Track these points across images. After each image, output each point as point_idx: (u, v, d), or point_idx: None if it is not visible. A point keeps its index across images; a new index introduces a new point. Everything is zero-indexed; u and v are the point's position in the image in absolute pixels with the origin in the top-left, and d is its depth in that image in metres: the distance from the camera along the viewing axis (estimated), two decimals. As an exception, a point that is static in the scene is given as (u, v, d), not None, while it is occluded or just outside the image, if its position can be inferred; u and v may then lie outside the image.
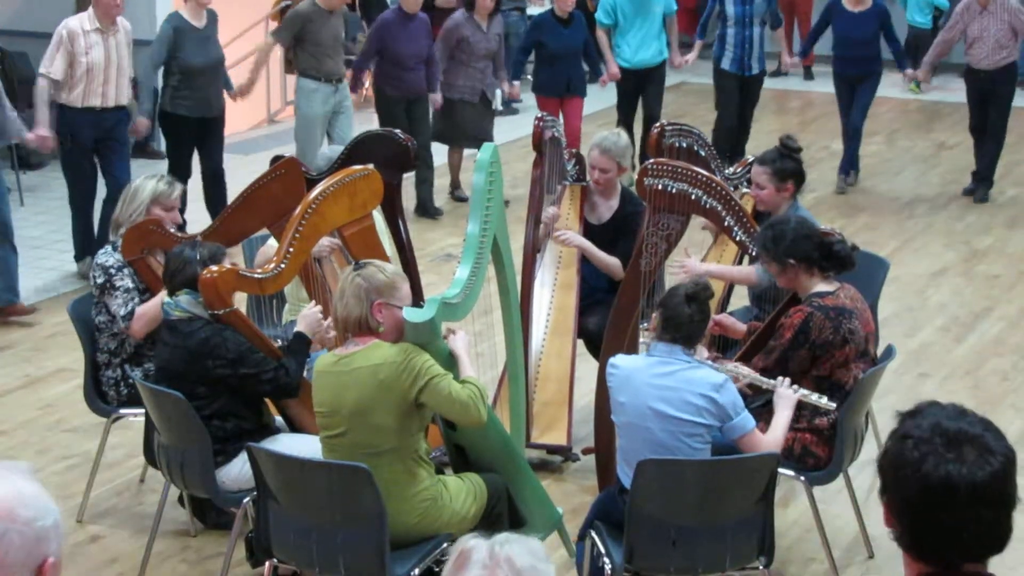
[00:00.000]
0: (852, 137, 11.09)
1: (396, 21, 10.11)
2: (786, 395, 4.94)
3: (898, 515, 2.42)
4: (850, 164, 11.23)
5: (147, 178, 6.02)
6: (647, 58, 10.90)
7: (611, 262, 6.47)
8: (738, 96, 10.97)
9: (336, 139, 9.82)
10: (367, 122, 10.70)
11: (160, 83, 9.39)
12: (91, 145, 8.69)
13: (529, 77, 11.20)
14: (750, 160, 6.56)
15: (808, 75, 15.58)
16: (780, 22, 11.23)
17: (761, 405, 5.13)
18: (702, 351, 5.00)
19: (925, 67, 11.35)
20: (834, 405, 5.03)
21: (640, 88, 11.04)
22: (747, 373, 5.05)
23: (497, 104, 10.47)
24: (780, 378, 5.01)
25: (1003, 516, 2.39)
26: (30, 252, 8.80)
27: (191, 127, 9.26)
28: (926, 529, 2.39)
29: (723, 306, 6.35)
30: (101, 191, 8.82)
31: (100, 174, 8.77)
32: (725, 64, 10.92)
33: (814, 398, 4.98)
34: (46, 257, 9.42)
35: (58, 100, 8.52)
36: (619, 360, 4.88)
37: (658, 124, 6.60)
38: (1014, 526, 2.40)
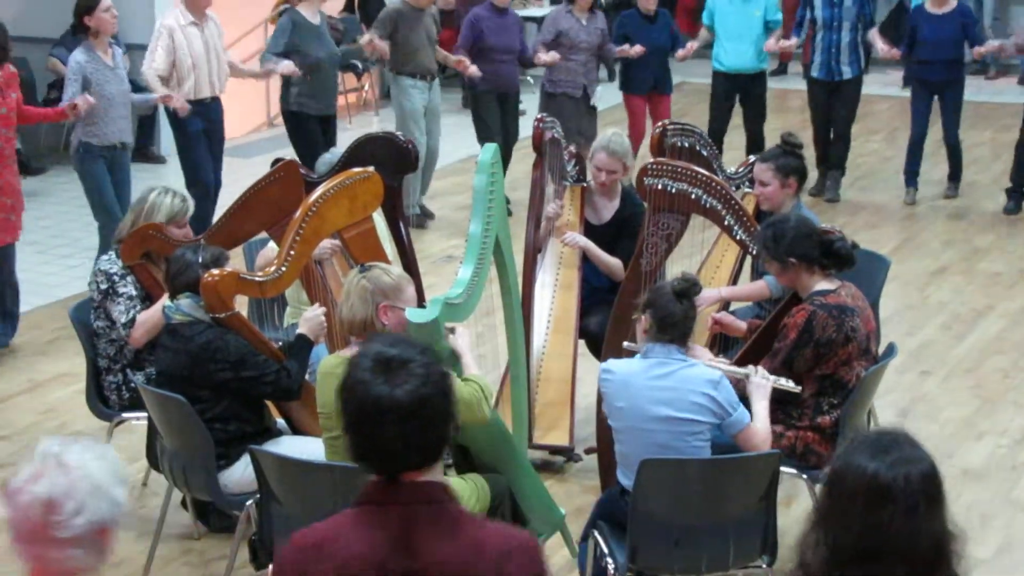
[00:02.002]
0: (952, 154, 10.80)
1: (489, 15, 10.22)
2: (760, 384, 4.93)
3: (346, 432, 2.71)
4: (953, 178, 10.96)
5: (160, 194, 5.94)
6: (742, 63, 10.69)
7: (612, 263, 6.47)
8: (827, 103, 10.71)
9: (425, 137, 10.10)
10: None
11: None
12: (202, 136, 9.00)
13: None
14: (751, 160, 6.57)
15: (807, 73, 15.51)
16: (874, 23, 10.88)
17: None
18: (700, 350, 5.01)
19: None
20: (799, 388, 5.03)
21: (740, 96, 10.86)
22: (722, 366, 5.03)
23: (596, 101, 10.44)
24: (752, 367, 5.00)
25: (430, 431, 2.65)
26: (28, 256, 8.79)
27: (309, 122, 9.65)
28: (365, 443, 2.67)
29: (725, 305, 6.35)
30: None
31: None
32: (814, 71, 10.70)
33: (783, 382, 4.98)
34: (47, 262, 9.43)
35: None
36: (613, 365, 4.86)
37: (660, 124, 6.60)
38: (445, 437, 2.67)
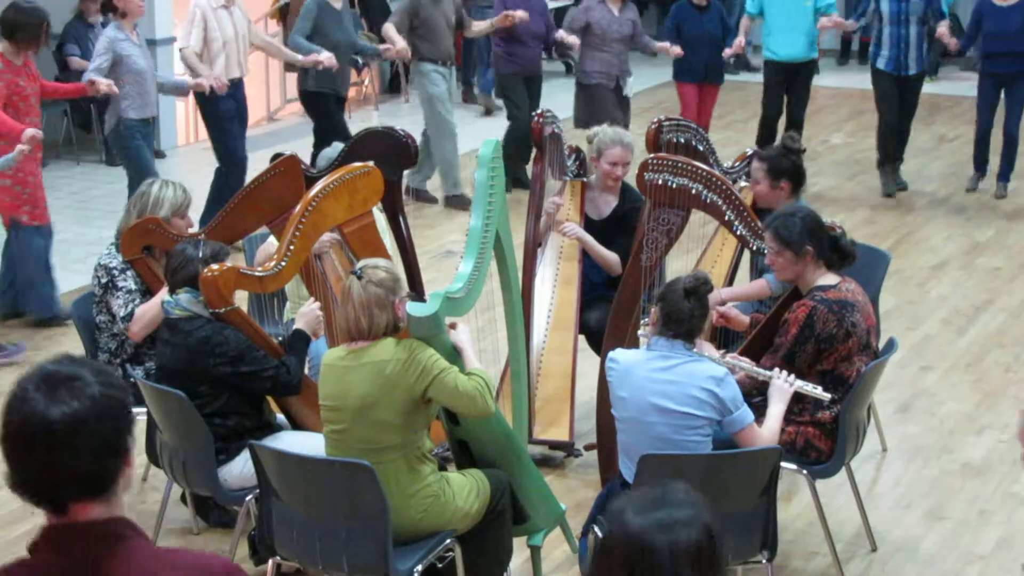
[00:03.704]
0: (1008, 144, 10.64)
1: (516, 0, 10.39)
2: (781, 387, 4.93)
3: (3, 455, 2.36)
4: (1003, 177, 10.83)
5: (162, 187, 5.95)
6: (795, 53, 10.62)
7: (610, 257, 6.47)
8: (897, 96, 10.60)
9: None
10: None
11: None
12: (235, 114, 9.35)
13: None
14: (749, 153, 6.56)
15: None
16: (944, 17, 10.69)
17: (761, 402, 5.12)
18: (708, 347, 5.00)
19: None
20: (829, 396, 5.02)
21: (788, 84, 10.81)
22: (745, 365, 5.04)
23: (628, 92, 10.47)
24: (776, 370, 5.00)
25: (84, 460, 2.29)
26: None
27: (329, 101, 9.88)
28: (15, 466, 2.32)
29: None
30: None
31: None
32: (880, 64, 10.54)
33: (809, 388, 4.97)
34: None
35: (200, 75, 9.05)
36: (619, 355, 4.87)
37: (656, 119, 6.58)
38: (109, 469, 2.33)
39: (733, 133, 12.55)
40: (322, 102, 9.93)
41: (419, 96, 10.51)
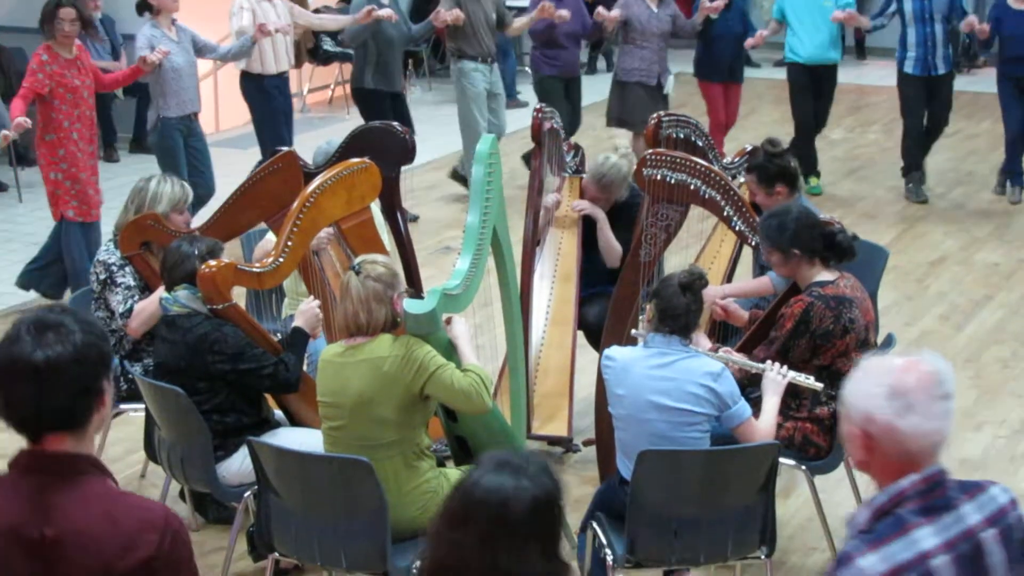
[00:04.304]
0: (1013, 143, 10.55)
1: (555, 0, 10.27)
2: (775, 379, 4.93)
3: None
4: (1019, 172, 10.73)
5: (160, 183, 5.96)
6: (818, 55, 10.55)
7: (614, 244, 6.48)
8: (925, 100, 10.48)
9: (492, 121, 10.30)
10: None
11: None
12: (280, 109, 9.64)
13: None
14: (748, 149, 6.56)
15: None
16: (967, 13, 10.62)
17: (755, 396, 5.12)
18: (703, 340, 5.00)
19: None
20: (821, 385, 5.01)
21: (815, 87, 10.71)
22: (737, 359, 5.03)
23: (668, 89, 10.41)
24: (768, 362, 4.99)
25: (62, 395, 2.63)
26: (30, 249, 8.78)
27: (385, 100, 9.96)
28: (5, 399, 2.66)
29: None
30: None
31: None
32: (908, 67, 10.37)
33: (802, 379, 4.96)
34: (45, 253, 9.41)
35: (251, 71, 9.47)
36: (615, 352, 4.86)
37: (655, 115, 6.58)
38: (84, 406, 2.66)
39: (734, 131, 12.54)
40: (375, 101, 9.94)
41: (456, 93, 10.45)
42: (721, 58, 10.58)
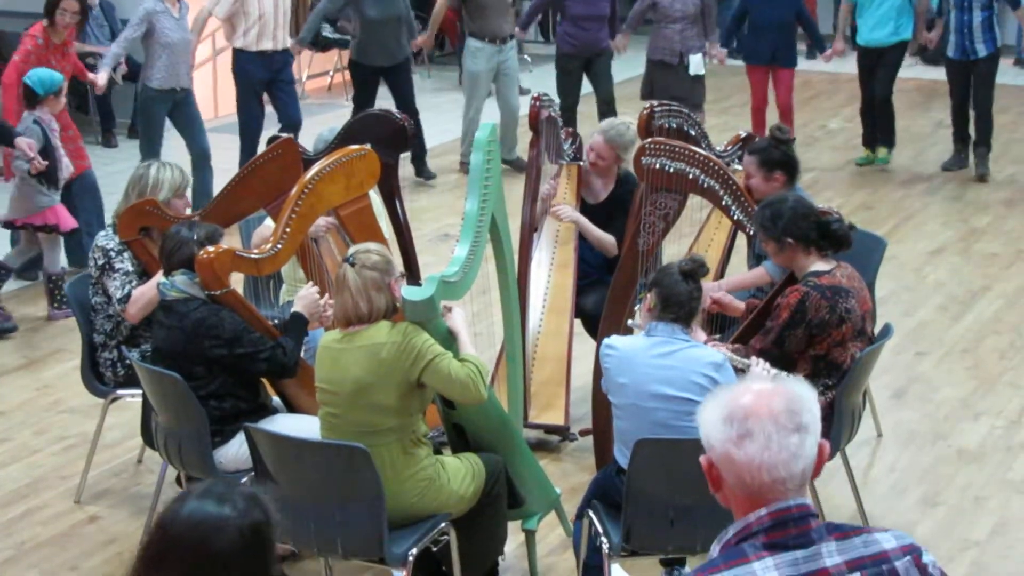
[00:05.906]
0: None
1: None
2: (760, 376, 4.91)
3: None
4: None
5: (160, 169, 5.94)
6: (880, 37, 10.72)
7: (605, 239, 6.48)
8: (966, 83, 10.67)
9: (500, 100, 10.82)
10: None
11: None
12: (261, 88, 9.80)
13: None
14: (742, 136, 6.56)
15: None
16: (1018, 2, 10.78)
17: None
18: (699, 334, 4.99)
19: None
20: (808, 385, 4.98)
21: (873, 69, 10.91)
22: (727, 354, 5.01)
23: (698, 69, 10.51)
24: (754, 358, 4.98)
25: None
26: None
27: (376, 74, 10.37)
28: None
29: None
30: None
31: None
32: (949, 51, 10.66)
33: (783, 376, 4.95)
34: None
35: (233, 44, 9.66)
36: (616, 341, 4.86)
37: (648, 104, 6.56)
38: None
39: (730, 119, 12.54)
40: (357, 71, 10.43)
41: (461, 70, 10.82)
42: (762, 42, 10.72)
